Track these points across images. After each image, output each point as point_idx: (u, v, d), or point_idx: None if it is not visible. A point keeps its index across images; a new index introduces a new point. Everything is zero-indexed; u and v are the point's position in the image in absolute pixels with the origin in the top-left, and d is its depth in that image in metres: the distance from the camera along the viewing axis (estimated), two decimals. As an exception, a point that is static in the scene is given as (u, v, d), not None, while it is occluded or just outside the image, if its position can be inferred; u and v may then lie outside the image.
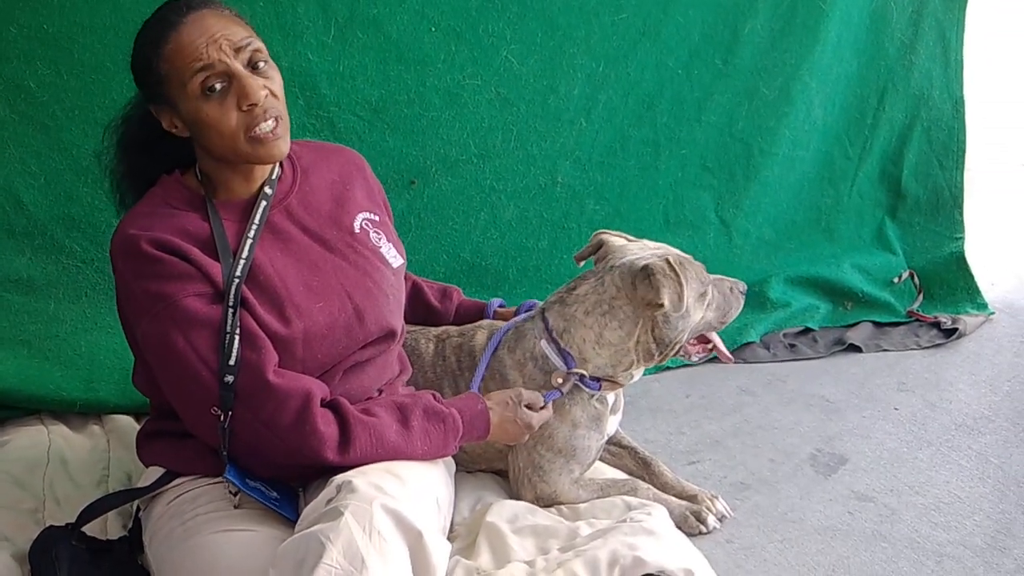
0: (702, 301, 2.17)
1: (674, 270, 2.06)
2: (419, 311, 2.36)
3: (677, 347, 2.17)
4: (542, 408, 2.06)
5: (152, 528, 1.85)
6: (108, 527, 2.06)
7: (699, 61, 3.28)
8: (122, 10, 2.54)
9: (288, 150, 1.82)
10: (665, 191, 3.35)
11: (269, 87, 1.76)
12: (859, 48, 3.53)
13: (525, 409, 2.01)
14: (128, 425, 2.47)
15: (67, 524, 1.88)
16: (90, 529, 1.92)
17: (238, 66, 1.73)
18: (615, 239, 2.27)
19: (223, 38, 1.72)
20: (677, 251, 2.21)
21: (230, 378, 1.70)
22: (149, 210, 1.81)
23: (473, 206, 3.08)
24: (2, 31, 2.50)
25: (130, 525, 2.00)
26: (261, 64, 1.77)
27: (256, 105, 1.73)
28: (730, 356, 2.37)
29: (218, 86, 1.72)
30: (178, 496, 1.83)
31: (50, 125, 2.59)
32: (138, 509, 1.97)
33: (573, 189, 3.20)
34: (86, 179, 2.63)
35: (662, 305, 2.06)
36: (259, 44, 1.78)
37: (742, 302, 2.28)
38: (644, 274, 2.08)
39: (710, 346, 2.30)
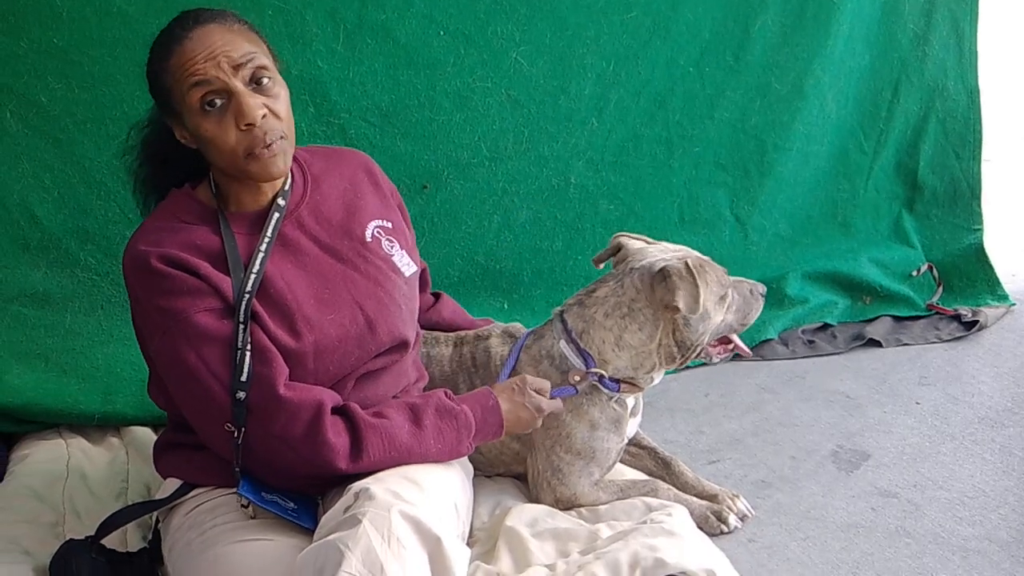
0: (722, 304, 2.16)
1: (691, 272, 2.05)
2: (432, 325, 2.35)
3: (699, 349, 2.17)
4: (551, 398, 2.03)
5: (171, 539, 1.85)
6: (128, 539, 2.06)
7: (710, 58, 3.26)
8: (131, 22, 2.55)
9: (288, 167, 1.81)
10: (679, 189, 3.34)
11: (270, 106, 1.75)
12: (871, 41, 3.51)
13: (532, 393, 1.97)
14: (146, 437, 2.47)
15: (87, 537, 1.88)
16: (110, 541, 1.92)
17: (236, 83, 1.72)
18: (634, 241, 2.26)
19: (223, 54, 1.71)
20: (697, 253, 2.20)
21: (242, 394, 1.70)
22: (159, 225, 1.82)
23: (486, 209, 3.07)
24: (12, 46, 2.51)
25: (150, 537, 2.01)
26: (265, 80, 1.75)
27: (253, 125, 1.72)
28: (747, 350, 2.36)
29: (218, 102, 1.72)
30: (196, 507, 1.83)
31: (62, 139, 2.60)
32: (157, 521, 1.98)
33: (586, 189, 3.19)
34: (99, 192, 2.64)
35: (679, 308, 2.05)
36: (264, 60, 1.76)
37: (762, 304, 2.27)
38: (661, 276, 2.07)
39: (731, 346, 2.29)
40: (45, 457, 2.41)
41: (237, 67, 1.72)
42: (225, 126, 1.73)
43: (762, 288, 2.27)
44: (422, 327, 2.27)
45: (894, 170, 3.65)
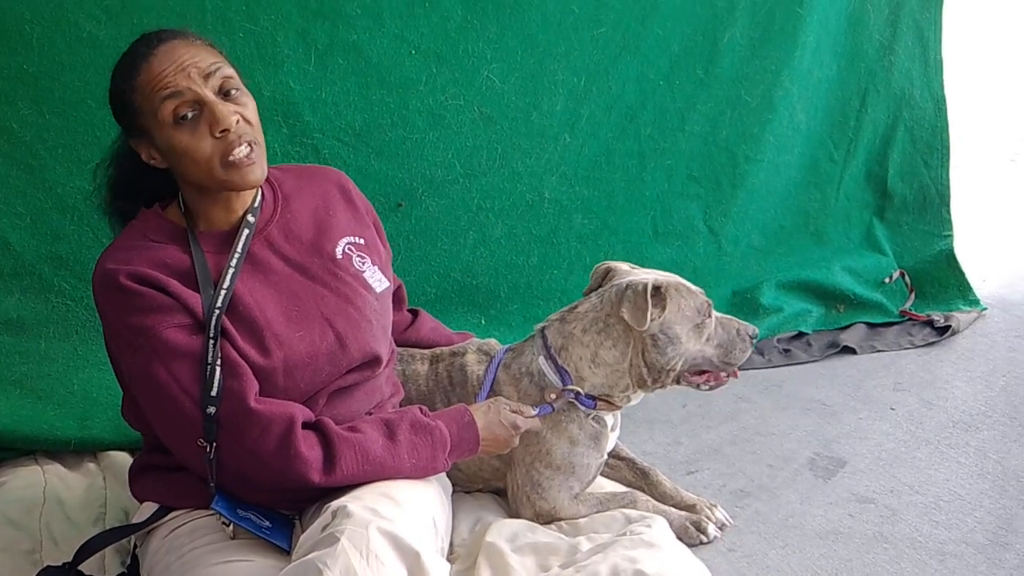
0: (698, 332, 2.14)
1: (646, 291, 2.06)
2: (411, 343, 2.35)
3: (672, 375, 2.15)
4: (530, 417, 2.04)
5: (150, 563, 1.84)
6: (106, 564, 2.05)
7: (680, 72, 3.29)
8: (101, 47, 2.54)
9: (264, 175, 1.82)
10: (652, 202, 3.35)
11: (241, 113, 1.76)
12: (838, 51, 3.55)
13: (507, 410, 1.99)
14: (123, 461, 2.45)
15: (64, 564, 1.87)
16: (88, 567, 1.91)
17: (208, 93, 1.74)
18: (622, 265, 2.27)
19: (191, 65, 1.73)
20: (679, 279, 2.19)
21: (212, 409, 1.70)
22: (128, 244, 1.82)
23: (461, 225, 3.08)
24: (-18, 73, 2.51)
25: (128, 561, 2.00)
26: (233, 91, 1.77)
27: (228, 131, 1.73)
28: (736, 373, 2.24)
29: (189, 114, 1.73)
30: (174, 530, 1.82)
31: (34, 164, 2.59)
32: (135, 545, 1.97)
33: (560, 204, 3.20)
34: (72, 217, 2.63)
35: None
36: (230, 71, 1.79)
37: (749, 348, 2.19)
38: (623, 293, 2.09)
39: (724, 374, 2.21)
40: (21, 484, 2.39)
41: (207, 76, 1.74)
42: (199, 136, 1.73)
43: (752, 330, 2.20)
44: (401, 346, 2.28)
45: (864, 179, 3.69)
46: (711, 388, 2.22)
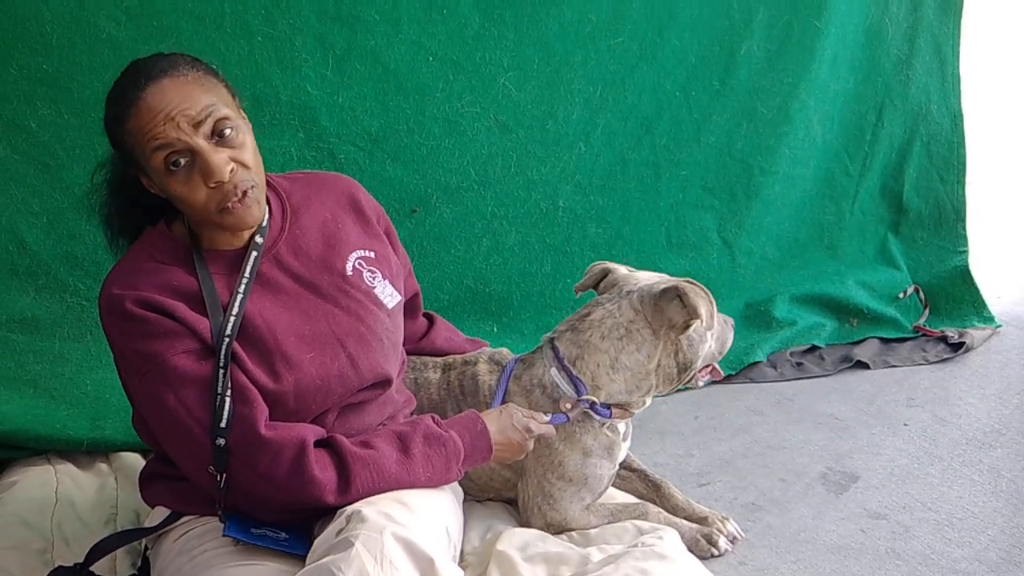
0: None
1: (701, 288, 2.07)
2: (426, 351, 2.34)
3: (693, 373, 2.17)
4: (544, 423, 2.03)
5: (160, 565, 1.84)
6: (117, 566, 2.05)
7: (697, 83, 3.29)
8: (121, 48, 2.56)
9: (264, 213, 1.79)
10: (667, 213, 3.35)
11: (236, 157, 1.70)
12: (855, 65, 3.54)
13: (519, 415, 1.97)
14: (135, 463, 2.45)
15: (75, 564, 1.87)
16: (99, 568, 1.91)
17: (199, 142, 1.66)
18: (620, 268, 2.27)
19: (180, 114, 1.64)
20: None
21: (222, 440, 1.68)
22: (134, 267, 1.78)
23: (475, 233, 3.09)
24: (1, 73, 2.52)
25: (139, 563, 2.00)
26: (227, 132, 1.69)
27: (223, 183, 1.68)
28: (721, 372, 2.35)
29: (182, 161, 1.66)
30: (185, 533, 1.82)
31: (51, 164, 2.60)
32: (146, 547, 1.96)
33: (575, 213, 3.21)
34: (88, 217, 2.61)
35: (689, 325, 2.07)
36: (224, 111, 1.69)
37: (732, 334, 2.30)
38: (672, 294, 2.07)
39: (710, 369, 2.29)
40: (33, 484, 2.39)
41: (197, 125, 1.66)
42: (193, 185, 1.68)
43: (732, 320, 2.30)
44: (414, 355, 2.27)
45: (879, 193, 3.68)
46: (707, 383, 2.31)
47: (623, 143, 3.24)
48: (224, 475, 1.70)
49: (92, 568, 1.87)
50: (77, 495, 2.35)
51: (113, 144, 1.74)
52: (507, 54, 2.99)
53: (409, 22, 2.86)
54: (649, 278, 2.20)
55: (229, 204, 1.70)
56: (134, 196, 1.83)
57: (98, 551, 1.86)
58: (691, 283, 2.08)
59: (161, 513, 1.89)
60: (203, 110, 1.67)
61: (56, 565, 1.93)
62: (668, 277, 2.21)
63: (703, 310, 2.03)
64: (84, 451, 2.54)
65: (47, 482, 2.40)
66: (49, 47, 2.54)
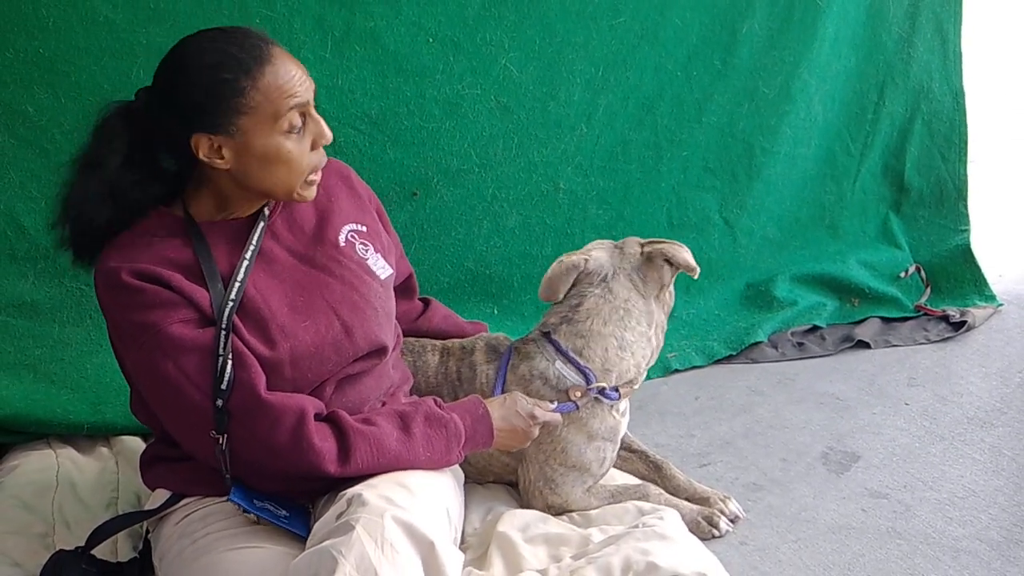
0: None
1: (674, 243, 2.20)
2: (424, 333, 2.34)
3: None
4: (550, 411, 2.04)
5: (162, 548, 1.85)
6: (119, 549, 2.06)
7: (698, 63, 3.27)
8: (118, 32, 2.54)
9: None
10: (668, 193, 3.34)
11: None
12: (857, 44, 3.52)
13: (524, 402, 1.98)
14: (136, 446, 2.46)
15: (77, 548, 1.87)
16: (100, 552, 1.92)
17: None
18: (576, 257, 2.21)
19: (307, 78, 1.76)
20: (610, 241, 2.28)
21: (222, 401, 1.69)
22: (129, 241, 1.78)
23: (476, 215, 3.08)
24: (-1, 57, 2.51)
25: (140, 546, 2.00)
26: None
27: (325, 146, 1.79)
28: None
29: (300, 124, 1.75)
30: (187, 516, 1.82)
31: (50, 149, 2.58)
32: (147, 530, 1.97)
33: (576, 195, 3.19)
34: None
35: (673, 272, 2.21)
36: None
37: None
38: (660, 260, 2.17)
39: None
40: (34, 467, 2.40)
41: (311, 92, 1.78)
42: (303, 147, 1.77)
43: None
44: (413, 335, 2.27)
45: (881, 172, 3.67)
46: None
47: (624, 124, 3.23)
48: (225, 437, 1.71)
49: (93, 551, 1.88)
50: (78, 479, 2.35)
51: (217, 103, 1.69)
52: (508, 35, 2.97)
53: (409, 3, 2.83)
54: (608, 252, 2.21)
55: (315, 175, 1.80)
56: (148, 171, 1.81)
57: (99, 534, 1.87)
58: (662, 242, 2.18)
59: (162, 496, 1.89)
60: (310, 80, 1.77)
61: (57, 549, 1.94)
62: (611, 243, 2.25)
63: (692, 260, 2.15)
64: (85, 435, 2.55)
65: (48, 466, 2.40)
66: (46, 30, 2.52)
